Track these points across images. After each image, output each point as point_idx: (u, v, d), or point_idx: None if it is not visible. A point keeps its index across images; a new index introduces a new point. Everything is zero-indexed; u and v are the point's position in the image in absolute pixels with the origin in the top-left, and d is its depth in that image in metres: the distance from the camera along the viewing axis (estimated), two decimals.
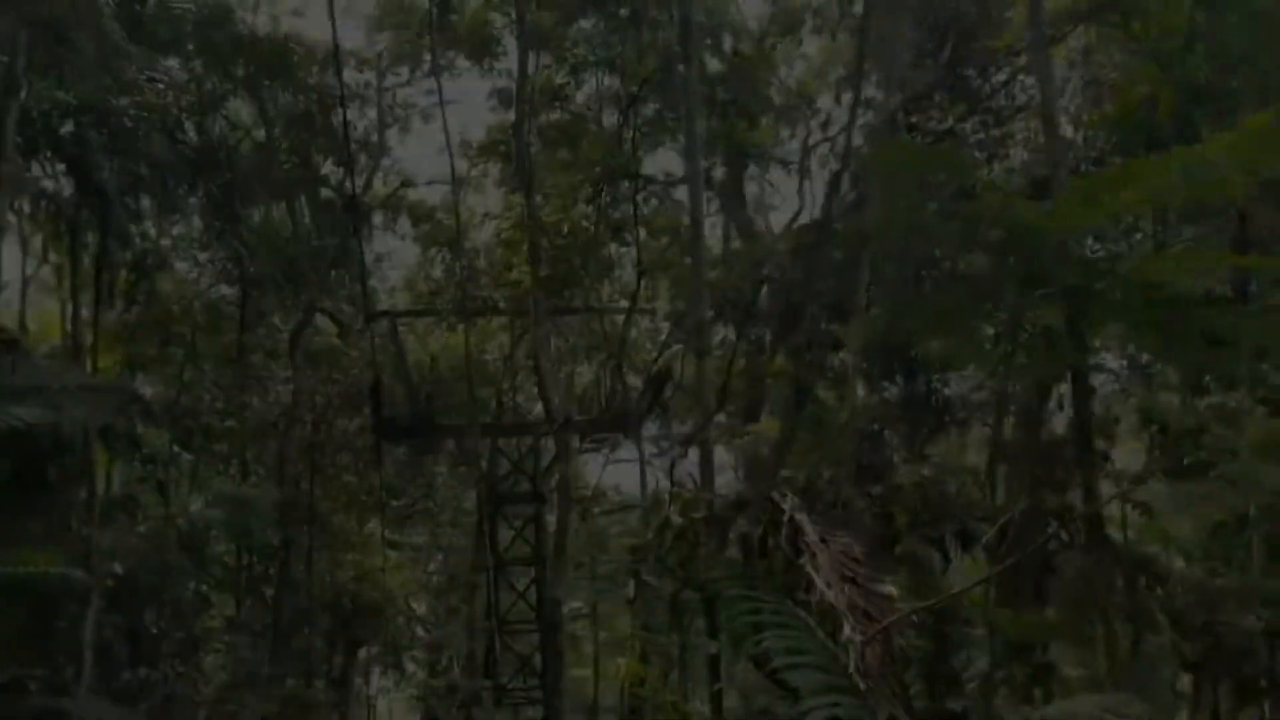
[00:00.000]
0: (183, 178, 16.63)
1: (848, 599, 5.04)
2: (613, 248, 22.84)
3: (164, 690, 13.58)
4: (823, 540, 5.63)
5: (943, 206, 5.92)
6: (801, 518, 5.90)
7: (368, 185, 25.72)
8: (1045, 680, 5.79)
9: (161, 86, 16.23)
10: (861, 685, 4.07)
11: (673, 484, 7.15)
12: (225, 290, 26.52)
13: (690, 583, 6.19)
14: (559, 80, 21.10)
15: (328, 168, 22.47)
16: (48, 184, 17.97)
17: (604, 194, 19.27)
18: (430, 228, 25.17)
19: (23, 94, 12.88)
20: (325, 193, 21.44)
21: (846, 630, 4.72)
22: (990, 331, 6.19)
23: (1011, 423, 16.08)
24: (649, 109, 21.89)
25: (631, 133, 19.57)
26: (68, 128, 14.04)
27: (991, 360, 5.77)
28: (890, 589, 5.33)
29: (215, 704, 14.18)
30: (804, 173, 26.53)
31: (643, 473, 20.06)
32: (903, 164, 5.24)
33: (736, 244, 24.25)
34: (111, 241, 17.08)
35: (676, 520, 6.24)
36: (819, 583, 5.26)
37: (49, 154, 14.26)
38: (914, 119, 19.58)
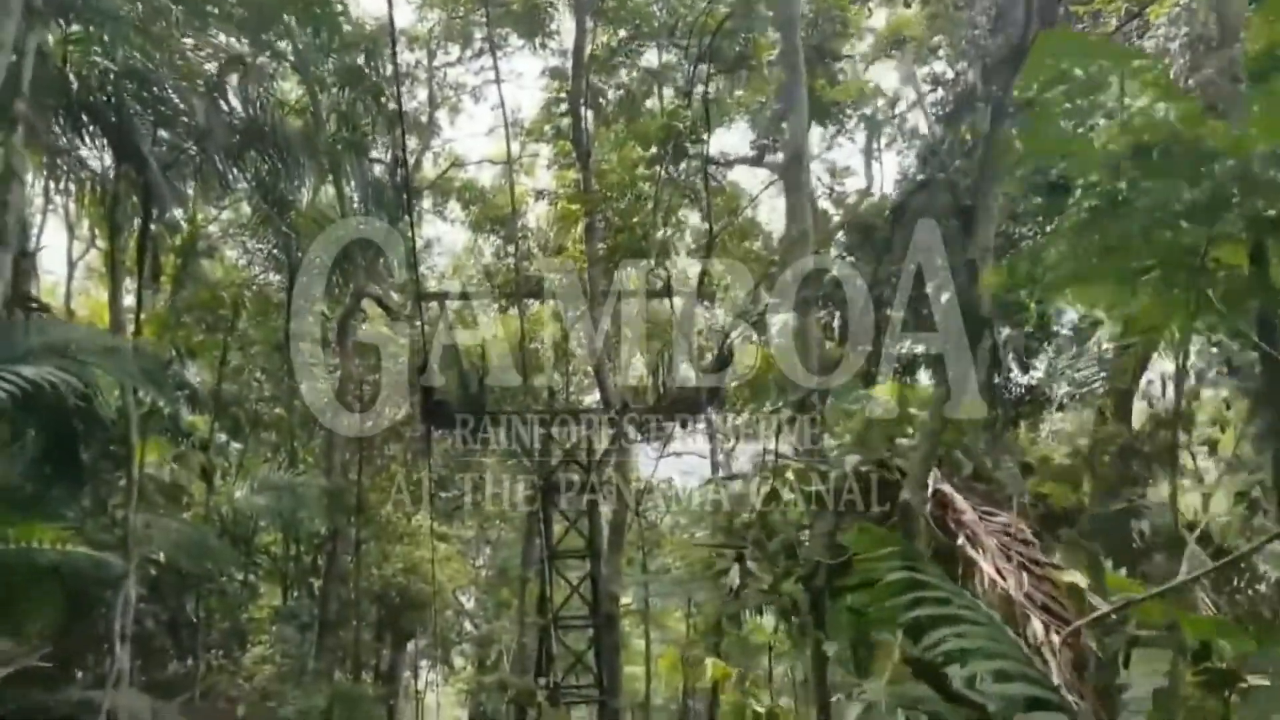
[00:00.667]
0: (228, 152, 15.94)
1: (1025, 590, 4.08)
2: (666, 231, 21.90)
3: (204, 683, 12.91)
4: (981, 518, 4.66)
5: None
6: (949, 491, 4.91)
7: (417, 166, 25.14)
8: (1226, 689, 4.79)
9: (205, 53, 15.59)
10: (1075, 702, 3.16)
11: (778, 455, 6.20)
12: (274, 277, 26.17)
13: (793, 571, 5.25)
14: (618, 40, 20.14)
15: (377, 146, 21.82)
16: (93, 161, 17.50)
17: (664, 167, 18.27)
18: (481, 210, 24.45)
19: (58, 51, 12.30)
20: (375, 170, 20.71)
21: (1036, 629, 3.77)
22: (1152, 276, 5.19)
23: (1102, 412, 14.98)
24: (712, 84, 20.92)
25: (703, 91, 18.40)
26: (106, 91, 13.37)
27: (1170, 308, 4.76)
28: (1078, 577, 4.33)
29: (257, 698, 13.50)
30: (870, 152, 25.56)
31: (714, 458, 19.13)
32: (1073, 60, 4.27)
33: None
34: (155, 222, 16.50)
35: (788, 496, 5.23)
36: (986, 569, 4.27)
37: (89, 124, 13.65)
38: (996, 88, 18.44)
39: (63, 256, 25.24)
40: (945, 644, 3.22)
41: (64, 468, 9.95)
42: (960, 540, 4.57)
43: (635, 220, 18.52)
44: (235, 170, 17.72)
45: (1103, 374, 15.55)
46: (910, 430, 5.50)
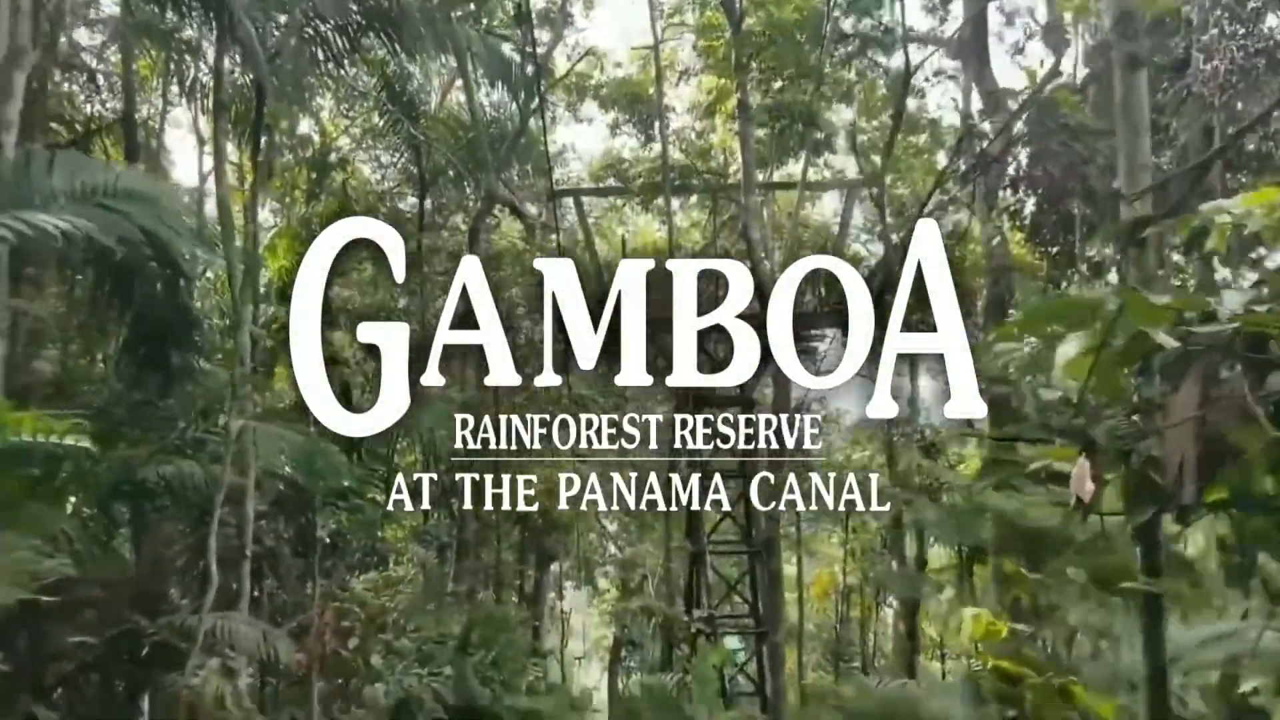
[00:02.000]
0: (343, 30, 14.45)
1: None
2: (828, 115, 19.48)
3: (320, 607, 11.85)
4: None
5: None
6: None
7: (548, 60, 23.45)
8: None
9: None
10: None
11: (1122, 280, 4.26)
12: (408, 194, 25.50)
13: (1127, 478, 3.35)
14: None
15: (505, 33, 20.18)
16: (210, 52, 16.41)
17: (826, 41, 15.81)
18: (619, 91, 22.43)
19: None
20: (503, 50, 19.02)
21: None
22: None
23: None
24: None
25: None
26: None
27: None
28: None
29: (374, 628, 12.36)
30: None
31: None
32: None
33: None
34: (266, 121, 15.26)
35: (1170, 343, 3.19)
36: None
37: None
38: None
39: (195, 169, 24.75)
40: None
41: (151, 367, 8.73)
42: None
43: (796, 92, 16.22)
44: (356, 58, 16.45)
45: None
46: None
